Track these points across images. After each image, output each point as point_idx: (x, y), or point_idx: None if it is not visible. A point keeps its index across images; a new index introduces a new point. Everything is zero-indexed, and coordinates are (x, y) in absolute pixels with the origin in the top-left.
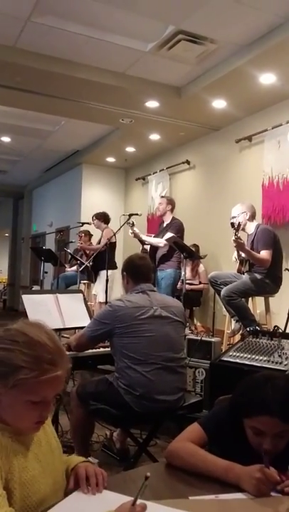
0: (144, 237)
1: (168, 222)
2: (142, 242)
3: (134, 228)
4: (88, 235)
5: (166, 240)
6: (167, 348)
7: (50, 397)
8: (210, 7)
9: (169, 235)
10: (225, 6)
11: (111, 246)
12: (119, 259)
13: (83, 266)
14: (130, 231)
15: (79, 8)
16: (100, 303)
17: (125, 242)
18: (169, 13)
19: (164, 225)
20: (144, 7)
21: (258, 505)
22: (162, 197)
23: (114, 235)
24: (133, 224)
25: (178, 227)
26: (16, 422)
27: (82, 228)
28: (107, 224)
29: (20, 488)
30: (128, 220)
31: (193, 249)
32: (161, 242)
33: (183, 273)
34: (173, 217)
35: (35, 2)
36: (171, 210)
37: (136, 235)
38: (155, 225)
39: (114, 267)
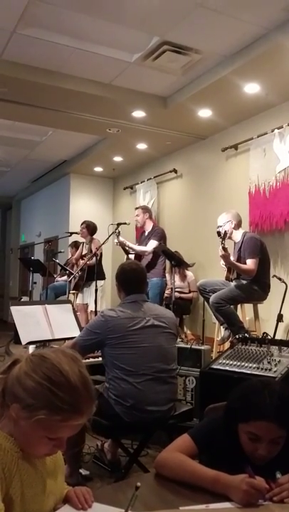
0: (130, 245)
1: (149, 230)
2: (127, 252)
3: (120, 238)
4: (75, 246)
5: (155, 248)
6: (159, 359)
7: (66, 437)
8: (194, 18)
9: (153, 242)
10: (209, 17)
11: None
12: (108, 268)
13: (72, 276)
14: (116, 240)
15: (64, 20)
16: (92, 311)
17: (114, 251)
18: (154, 24)
19: (146, 233)
20: (129, 18)
21: None
22: (136, 208)
23: (101, 245)
24: (119, 233)
25: (160, 234)
26: (27, 447)
27: (70, 238)
28: (92, 235)
29: (22, 503)
30: (116, 229)
31: None
32: (146, 249)
33: (172, 281)
34: (154, 224)
35: (21, 14)
36: (150, 218)
37: (121, 244)
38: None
39: (103, 277)
